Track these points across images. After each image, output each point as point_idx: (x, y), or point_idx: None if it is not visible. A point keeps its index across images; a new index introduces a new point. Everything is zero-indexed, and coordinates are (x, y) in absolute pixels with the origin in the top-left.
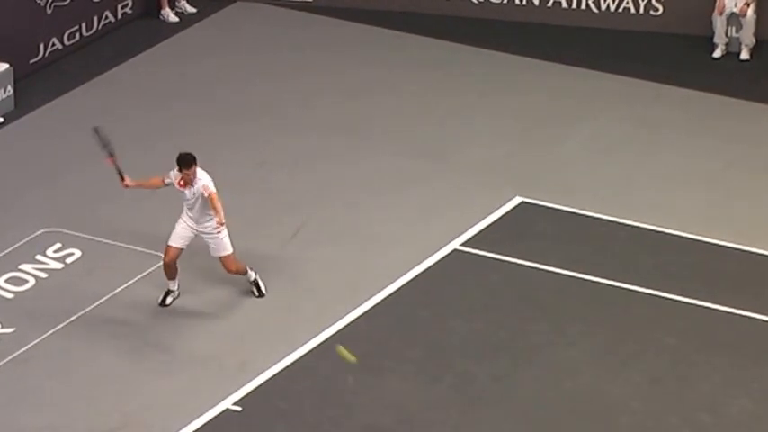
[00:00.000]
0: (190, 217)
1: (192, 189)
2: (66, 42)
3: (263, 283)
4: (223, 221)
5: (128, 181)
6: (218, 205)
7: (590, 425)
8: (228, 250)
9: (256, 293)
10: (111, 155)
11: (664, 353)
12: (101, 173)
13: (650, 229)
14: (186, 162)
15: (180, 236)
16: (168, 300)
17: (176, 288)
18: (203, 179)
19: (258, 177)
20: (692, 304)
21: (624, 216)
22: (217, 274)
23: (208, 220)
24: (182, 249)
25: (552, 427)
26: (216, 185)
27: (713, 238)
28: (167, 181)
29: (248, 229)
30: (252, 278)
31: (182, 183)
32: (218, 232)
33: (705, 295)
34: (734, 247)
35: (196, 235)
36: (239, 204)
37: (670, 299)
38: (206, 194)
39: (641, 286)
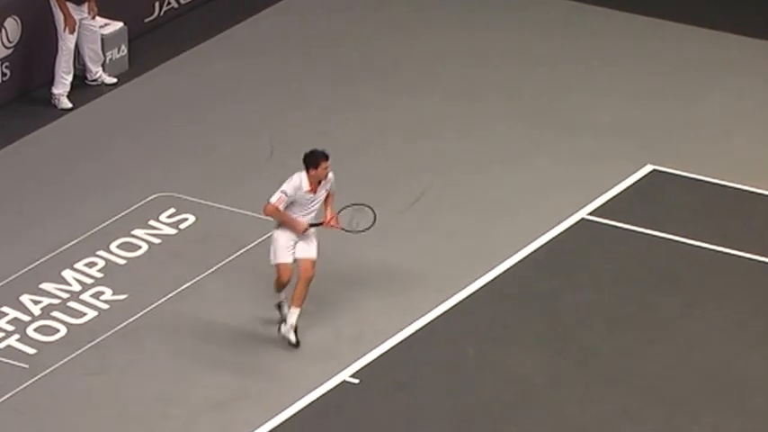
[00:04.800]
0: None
1: (323, 187)
2: (182, 1)
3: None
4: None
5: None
6: (331, 203)
7: (722, 403)
8: (315, 255)
9: (279, 329)
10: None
11: None
12: (215, 136)
13: None
14: (322, 156)
15: (288, 248)
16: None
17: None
18: (330, 174)
19: (378, 142)
20: None
21: (761, 186)
22: (333, 246)
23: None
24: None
25: (681, 405)
26: (335, 149)
27: None
28: (281, 201)
29: (368, 195)
30: (285, 318)
31: (313, 187)
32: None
33: None
34: None
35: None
36: (359, 169)
37: None
38: (330, 189)
39: None
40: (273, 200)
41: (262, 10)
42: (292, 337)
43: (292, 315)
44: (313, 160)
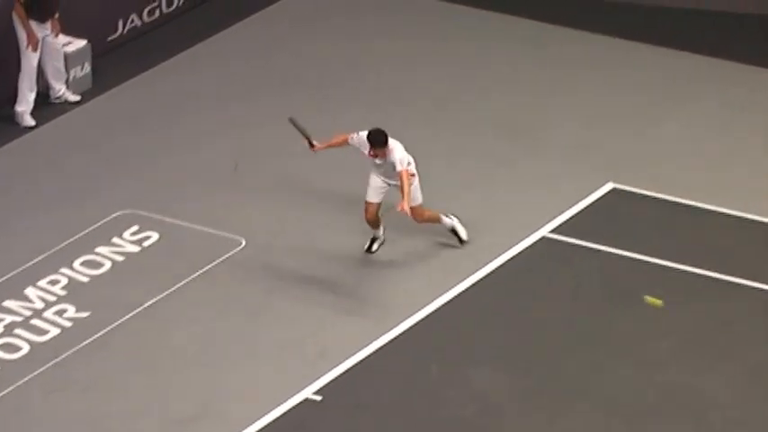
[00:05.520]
0: (379, 173)
1: (383, 159)
2: (146, 19)
3: (463, 229)
4: (405, 209)
5: (317, 145)
6: (407, 187)
7: (682, 420)
8: (418, 200)
9: (458, 241)
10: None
11: (761, 346)
12: (179, 153)
13: (748, 218)
14: (378, 143)
15: (376, 190)
16: (375, 246)
17: (382, 234)
18: (397, 152)
19: (346, 160)
20: None
21: (721, 204)
22: (304, 258)
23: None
24: (380, 204)
25: (642, 421)
26: (301, 164)
27: None
28: (351, 141)
29: (334, 211)
30: (449, 225)
31: (372, 153)
32: (410, 185)
33: None
34: None
35: (389, 186)
36: (333, 185)
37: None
38: (397, 170)
39: (738, 277)
40: (349, 135)
41: (224, 28)
42: (462, 236)
43: (449, 222)
44: (370, 140)
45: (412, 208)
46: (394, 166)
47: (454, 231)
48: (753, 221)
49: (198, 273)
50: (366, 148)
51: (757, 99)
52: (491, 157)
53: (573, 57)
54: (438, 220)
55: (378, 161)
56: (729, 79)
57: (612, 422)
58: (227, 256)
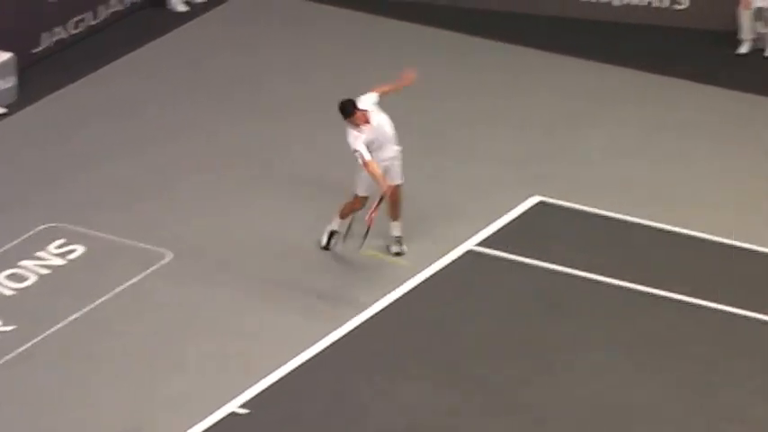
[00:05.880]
0: (379, 156)
1: (370, 124)
2: (72, 31)
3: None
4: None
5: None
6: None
7: (608, 431)
8: (401, 180)
9: (396, 252)
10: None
11: (687, 359)
12: (105, 165)
13: (673, 231)
14: (347, 113)
15: (368, 184)
16: (332, 242)
17: (338, 228)
18: (367, 98)
19: (278, 173)
20: (718, 310)
21: (646, 218)
22: (230, 271)
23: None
24: (368, 197)
25: None
26: (222, 182)
27: (741, 242)
28: (354, 146)
29: (258, 224)
30: (399, 232)
31: (358, 129)
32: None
33: (733, 301)
34: (764, 251)
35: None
36: (264, 197)
37: (694, 303)
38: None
39: (663, 290)
40: (367, 157)
41: (150, 41)
42: (403, 249)
43: (395, 228)
44: (341, 113)
45: (395, 186)
46: (382, 119)
47: (398, 239)
48: (681, 234)
49: (123, 286)
50: (361, 133)
51: (683, 111)
52: (416, 168)
53: (499, 68)
54: (399, 218)
55: (367, 131)
56: (654, 93)
57: None
58: (153, 268)
